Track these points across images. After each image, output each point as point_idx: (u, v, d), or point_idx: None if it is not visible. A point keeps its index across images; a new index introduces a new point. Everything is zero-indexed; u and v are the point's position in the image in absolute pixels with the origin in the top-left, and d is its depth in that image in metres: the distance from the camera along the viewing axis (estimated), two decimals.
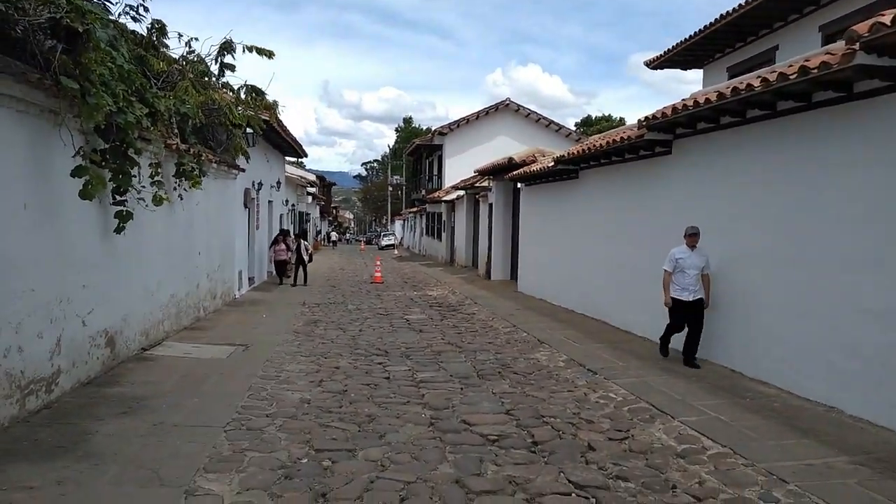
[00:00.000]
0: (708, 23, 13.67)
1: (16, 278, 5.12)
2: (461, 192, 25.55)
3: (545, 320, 11.63)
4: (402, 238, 59.96)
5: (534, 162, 15.44)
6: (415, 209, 44.52)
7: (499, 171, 17.40)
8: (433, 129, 34.27)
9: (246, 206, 15.28)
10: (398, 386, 7.04)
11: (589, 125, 57.20)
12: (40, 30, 5.21)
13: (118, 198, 6.55)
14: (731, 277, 7.51)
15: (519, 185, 16.09)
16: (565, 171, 12.52)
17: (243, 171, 13.53)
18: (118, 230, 6.54)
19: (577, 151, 10.97)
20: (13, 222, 5.08)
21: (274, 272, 18.50)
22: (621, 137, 9.14)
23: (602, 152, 10.29)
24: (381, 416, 5.87)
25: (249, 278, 16.12)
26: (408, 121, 72.57)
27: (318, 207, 43.69)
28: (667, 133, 8.63)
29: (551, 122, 31.21)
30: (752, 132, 7.16)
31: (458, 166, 29.96)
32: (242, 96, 11.58)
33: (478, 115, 31.12)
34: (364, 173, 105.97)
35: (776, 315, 6.75)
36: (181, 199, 9.21)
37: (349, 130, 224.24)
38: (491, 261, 19.64)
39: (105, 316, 6.85)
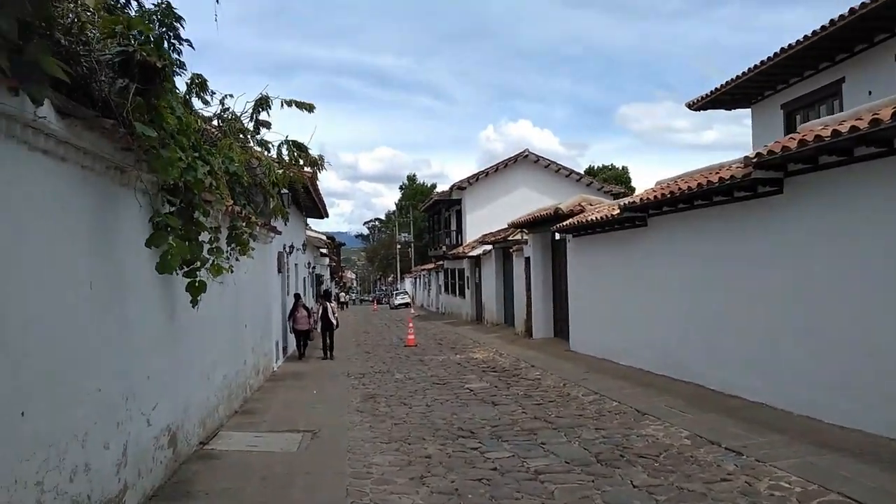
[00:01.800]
0: (763, 59, 13.04)
1: (83, 377, 4.07)
2: (488, 247, 24.64)
3: (626, 385, 10.50)
4: (413, 296, 58.89)
5: (582, 211, 14.58)
6: (430, 266, 43.57)
7: (540, 223, 16.50)
8: (446, 184, 33.67)
9: (280, 270, 14.32)
10: (515, 481, 5.91)
11: (593, 175, 56.60)
12: (108, 66, 4.22)
13: (186, 268, 5.55)
14: None
15: (566, 236, 15.15)
16: (630, 219, 11.61)
17: (280, 233, 12.61)
18: (194, 303, 5.52)
19: (655, 196, 10.07)
20: (80, 308, 4.07)
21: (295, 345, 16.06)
22: (719, 178, 8.24)
23: (685, 196, 9.40)
24: None
25: (283, 348, 15.03)
26: (411, 178, 72.45)
27: (329, 269, 42.82)
28: (777, 171, 7.75)
29: (572, 171, 30.65)
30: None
31: (479, 221, 29.21)
32: (285, 153, 10.76)
33: (497, 168, 30.54)
34: (366, 232, 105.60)
35: None
36: (231, 269, 8.24)
37: (346, 191, 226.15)
38: (532, 318, 18.55)
39: (169, 410, 5.76)
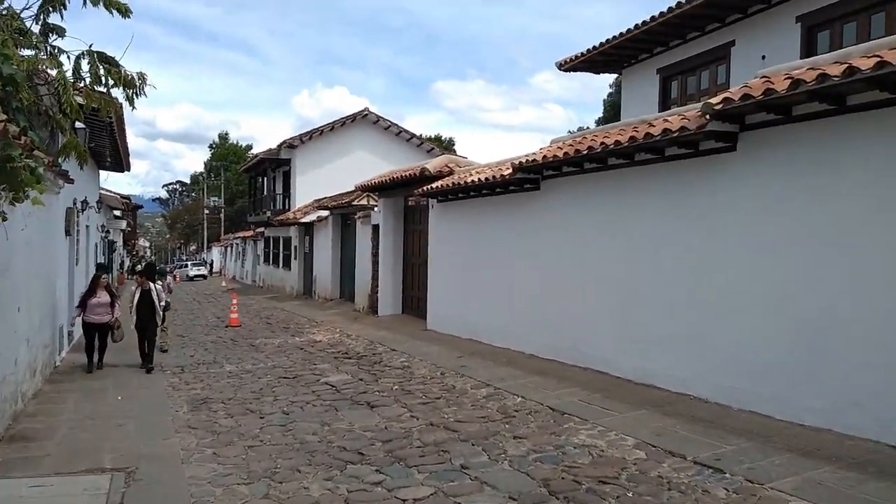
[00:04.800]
0: (647, 18, 12.14)
1: None
2: (324, 213, 22.14)
3: (516, 373, 9.01)
4: (223, 267, 53.99)
5: (451, 173, 12.88)
6: (246, 233, 39.59)
7: (399, 186, 14.53)
8: (258, 148, 30.27)
9: (68, 232, 10.87)
10: None
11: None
12: None
13: None
14: None
15: (431, 202, 13.36)
16: (519, 181, 10.07)
17: (72, 182, 9.33)
18: None
19: (566, 153, 8.55)
20: None
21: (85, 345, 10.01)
22: (664, 129, 6.85)
23: (604, 152, 7.99)
24: None
25: (68, 333, 11.59)
26: (224, 137, 66.29)
27: (122, 234, 37.04)
28: (734, 123, 6.52)
29: (413, 135, 28.88)
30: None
31: (311, 184, 26.49)
32: (85, 68, 7.58)
33: (332, 127, 27.78)
34: (165, 196, 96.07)
35: None
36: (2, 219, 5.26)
37: (142, 150, 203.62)
38: (378, 293, 16.61)
39: None
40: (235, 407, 7.71)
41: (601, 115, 36.33)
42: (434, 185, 12.16)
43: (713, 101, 6.27)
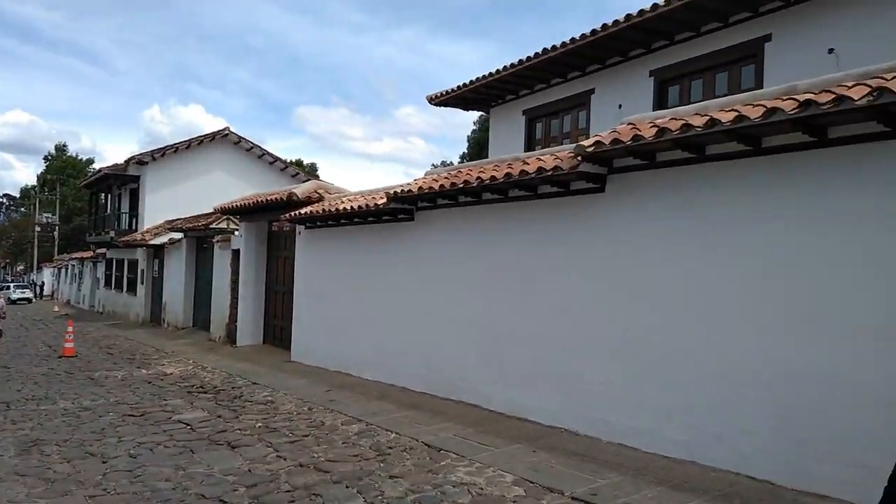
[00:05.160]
0: (506, 64, 12.72)
1: None
2: (177, 235, 20.73)
3: (389, 407, 8.78)
4: (55, 290, 49.03)
5: (320, 199, 12.53)
6: (84, 255, 36.19)
7: (265, 210, 13.90)
8: (102, 162, 28.05)
9: None
10: None
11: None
12: None
13: None
14: None
15: (298, 227, 12.91)
16: (393, 211, 9.98)
17: None
18: None
19: (438, 186, 8.57)
20: None
21: None
22: (538, 168, 7.06)
23: (470, 189, 8.12)
24: None
25: None
26: (61, 148, 60.65)
27: None
28: (602, 166, 6.85)
29: (277, 158, 27.94)
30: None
31: (162, 204, 24.81)
32: None
33: (189, 145, 26.24)
34: None
35: None
36: None
37: None
38: (237, 322, 15.72)
39: None
40: (73, 450, 6.83)
41: (465, 150, 37.42)
42: (303, 211, 11.75)
43: (585, 143, 6.55)
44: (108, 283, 30.56)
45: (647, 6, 9.67)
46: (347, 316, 11.44)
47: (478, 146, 34.64)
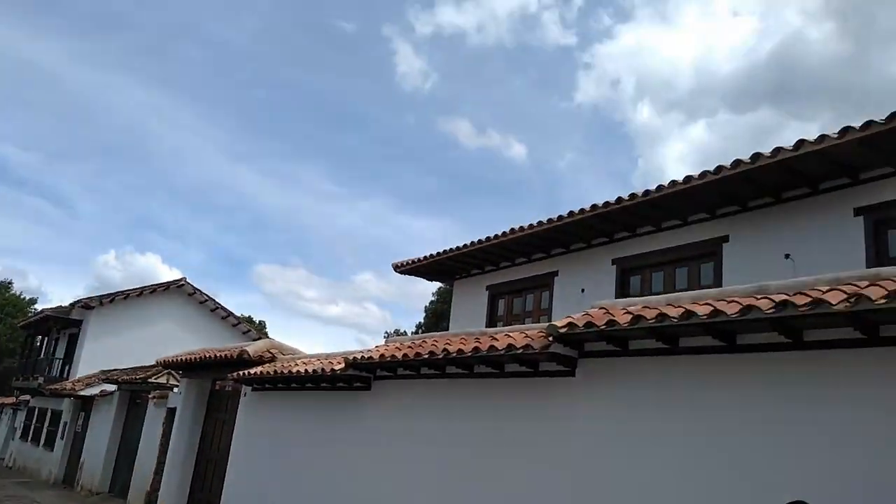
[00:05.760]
0: (474, 240, 13.05)
1: None
2: (110, 387, 19.42)
3: None
4: None
5: (273, 359, 11.98)
6: (8, 400, 33.50)
7: (210, 367, 13.19)
8: (45, 304, 27.08)
9: None
10: None
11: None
12: None
13: None
14: None
15: (244, 388, 12.20)
16: (350, 378, 9.51)
17: None
18: None
19: (401, 355, 8.25)
20: None
21: None
22: (493, 346, 6.85)
23: (435, 361, 7.82)
24: None
25: None
26: (6, 286, 58.60)
27: None
28: (574, 348, 6.69)
29: (230, 313, 27.30)
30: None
31: (101, 353, 23.55)
32: None
33: (141, 292, 25.51)
34: None
35: None
36: None
37: None
38: (160, 490, 14.27)
39: None
40: None
41: (421, 320, 37.42)
42: (253, 371, 11.14)
43: (558, 323, 6.42)
44: (24, 435, 28.00)
45: (613, 199, 10.16)
46: (291, 489, 10.44)
47: (435, 317, 34.71)
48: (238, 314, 26.78)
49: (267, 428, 11.45)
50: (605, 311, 6.41)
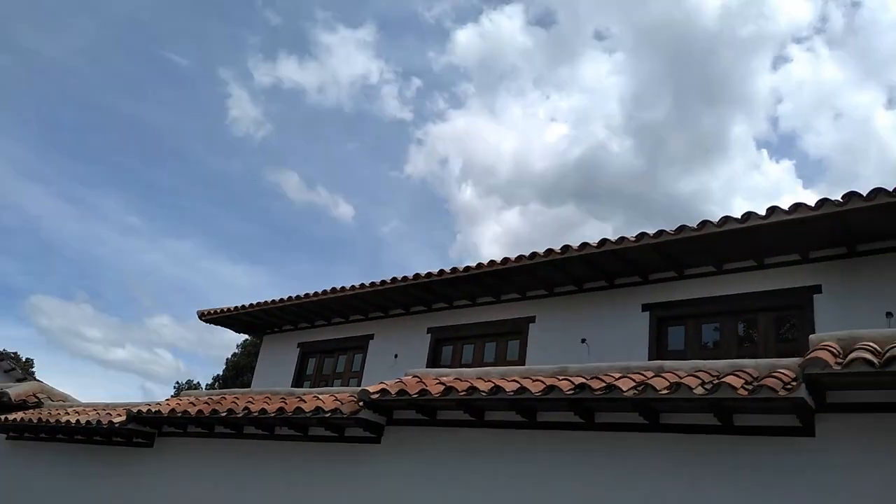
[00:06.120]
0: (291, 295, 12.69)
1: None
2: None
3: None
4: None
5: (38, 404, 10.47)
6: None
7: None
8: None
9: None
10: None
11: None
12: None
13: None
14: None
15: None
16: (129, 433, 8.56)
17: None
18: None
19: (194, 411, 7.59)
20: None
21: None
22: (301, 407, 6.58)
23: (234, 419, 7.34)
24: None
25: None
26: None
27: None
28: (382, 415, 6.60)
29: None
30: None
31: None
32: None
33: None
34: None
35: None
36: None
37: None
38: None
39: None
40: None
41: (220, 372, 35.08)
42: (13, 417, 9.62)
43: (371, 389, 6.34)
44: None
45: (434, 270, 10.44)
46: None
47: (236, 370, 32.74)
48: (2, 349, 23.11)
49: (24, 485, 9.84)
50: (418, 379, 6.45)
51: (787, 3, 38.61)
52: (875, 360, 3.94)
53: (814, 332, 6.98)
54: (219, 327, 15.09)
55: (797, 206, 7.22)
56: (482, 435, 6.04)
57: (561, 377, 5.62)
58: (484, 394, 5.59)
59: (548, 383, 5.40)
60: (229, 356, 35.03)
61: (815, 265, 7.93)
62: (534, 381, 5.63)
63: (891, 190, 6.63)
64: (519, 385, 5.49)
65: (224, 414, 7.33)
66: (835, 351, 4.33)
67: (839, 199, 6.96)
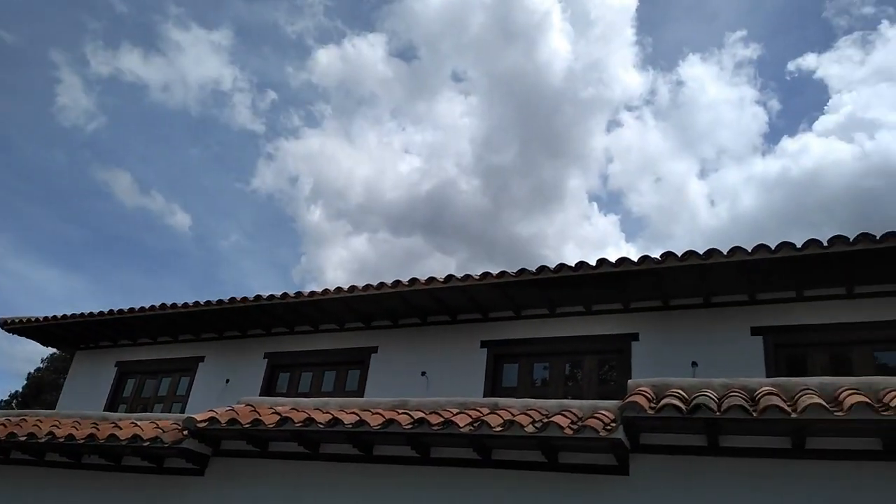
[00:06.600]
0: (112, 309, 11.67)
1: None
2: None
3: None
4: None
5: None
6: None
7: None
8: None
9: None
10: None
11: None
12: None
13: None
14: None
15: None
16: None
17: None
18: None
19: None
20: None
21: None
22: (115, 434, 6.05)
23: (33, 444, 6.58)
24: None
25: None
26: None
27: None
28: (209, 445, 6.22)
29: None
30: None
31: None
32: None
33: None
34: None
35: None
36: None
37: None
38: None
39: None
40: None
41: (20, 389, 31.23)
42: None
43: (198, 417, 5.98)
44: None
45: (277, 292, 10.14)
46: None
47: (38, 387, 29.32)
48: None
49: None
50: (251, 408, 6.20)
51: (623, 73, 42.58)
52: (683, 407, 4.39)
53: (631, 376, 7.66)
54: (24, 339, 13.52)
55: (622, 261, 7.91)
56: (316, 468, 5.90)
57: (401, 410, 5.66)
58: (321, 426, 5.48)
59: (387, 416, 5.42)
60: (32, 370, 31.33)
61: (634, 315, 8.69)
62: (373, 413, 5.62)
63: (701, 253, 7.48)
64: (358, 418, 5.45)
65: (24, 438, 6.54)
66: (649, 396, 4.77)
67: (658, 256, 7.73)
